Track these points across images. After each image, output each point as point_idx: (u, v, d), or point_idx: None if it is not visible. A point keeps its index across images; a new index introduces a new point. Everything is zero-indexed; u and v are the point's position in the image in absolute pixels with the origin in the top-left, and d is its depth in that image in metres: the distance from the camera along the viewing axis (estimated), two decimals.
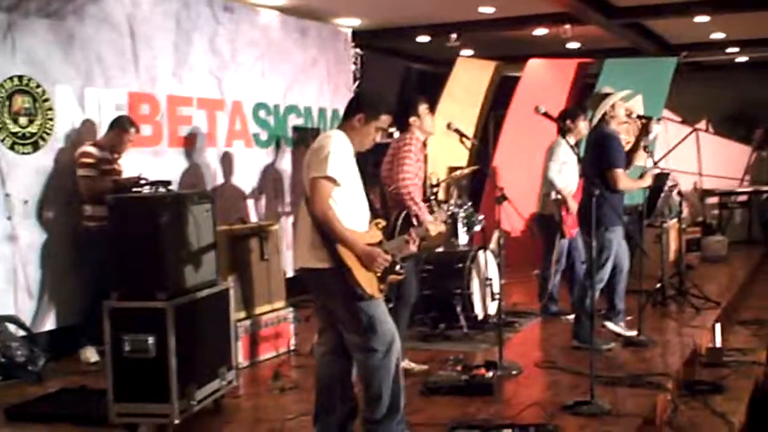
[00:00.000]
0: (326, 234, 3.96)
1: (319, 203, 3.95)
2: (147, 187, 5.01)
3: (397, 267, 4.20)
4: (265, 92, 8.70)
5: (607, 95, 6.41)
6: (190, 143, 7.73)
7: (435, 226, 4.78)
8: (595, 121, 6.44)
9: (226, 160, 8.15)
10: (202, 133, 7.87)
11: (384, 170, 5.62)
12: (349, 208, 4.06)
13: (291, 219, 8.79)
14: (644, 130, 6.50)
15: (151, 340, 4.40)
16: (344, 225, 3.99)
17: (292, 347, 6.53)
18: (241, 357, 5.95)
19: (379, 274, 4.08)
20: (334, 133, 4.14)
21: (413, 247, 4.41)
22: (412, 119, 5.62)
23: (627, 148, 6.58)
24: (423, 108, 5.67)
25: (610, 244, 6.26)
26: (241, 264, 6.25)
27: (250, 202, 8.38)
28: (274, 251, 6.56)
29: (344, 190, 4.03)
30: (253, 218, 8.24)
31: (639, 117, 6.58)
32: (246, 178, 8.37)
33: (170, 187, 4.98)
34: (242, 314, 6.14)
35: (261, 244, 6.42)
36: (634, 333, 6.60)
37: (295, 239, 4.36)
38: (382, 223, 4.33)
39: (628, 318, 6.90)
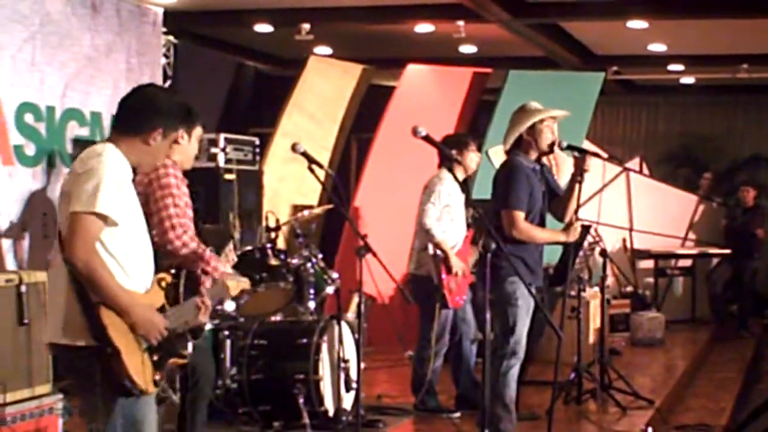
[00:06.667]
0: (85, 294, 3.85)
1: (81, 247, 3.82)
2: None
3: (183, 347, 4.12)
4: (36, 88, 8.52)
5: (534, 111, 6.31)
6: None
7: (235, 280, 4.72)
8: (507, 145, 6.40)
9: None
10: None
11: None
12: (127, 258, 3.97)
13: None
14: (578, 169, 6.30)
15: None
16: (117, 281, 3.89)
17: None
18: None
19: (155, 357, 3.99)
20: (108, 151, 4.02)
21: (204, 317, 4.27)
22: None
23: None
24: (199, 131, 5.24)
25: (515, 299, 6.17)
26: None
27: (7, 243, 8.14)
28: (38, 313, 6.36)
29: (120, 233, 3.94)
30: (11, 265, 8.02)
31: (570, 147, 6.38)
32: (1, 209, 8.13)
33: None
34: None
35: (19, 303, 6.24)
36: None
37: (48, 303, 4.19)
38: (167, 279, 4.22)
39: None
